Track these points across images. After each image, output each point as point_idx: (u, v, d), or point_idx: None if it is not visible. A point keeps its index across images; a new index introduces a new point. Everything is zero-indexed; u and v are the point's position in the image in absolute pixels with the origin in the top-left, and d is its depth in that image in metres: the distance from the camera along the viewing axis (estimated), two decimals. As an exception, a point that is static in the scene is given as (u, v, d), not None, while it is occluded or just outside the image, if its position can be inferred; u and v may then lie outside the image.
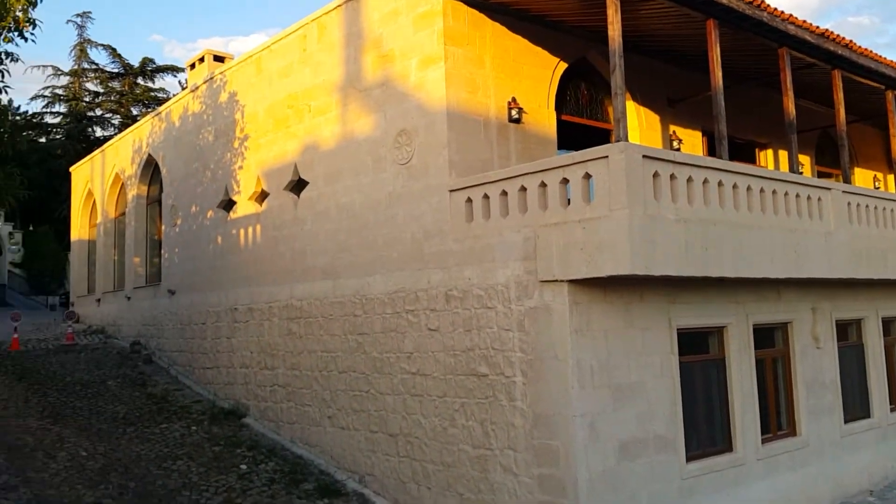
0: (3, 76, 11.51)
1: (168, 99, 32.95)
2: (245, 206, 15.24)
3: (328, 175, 12.83)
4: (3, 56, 11.45)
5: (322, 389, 12.59)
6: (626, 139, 8.88)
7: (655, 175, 8.81)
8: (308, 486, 11.53)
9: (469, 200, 10.20)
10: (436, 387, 10.41)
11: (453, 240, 10.37)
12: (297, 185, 13.74)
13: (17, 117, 39.20)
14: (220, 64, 17.19)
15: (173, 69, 46.01)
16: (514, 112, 11.01)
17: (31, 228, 43.05)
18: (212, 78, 16.71)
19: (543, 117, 11.59)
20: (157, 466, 11.94)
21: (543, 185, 9.25)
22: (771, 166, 16.12)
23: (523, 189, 9.48)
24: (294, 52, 13.86)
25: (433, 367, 10.48)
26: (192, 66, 18.40)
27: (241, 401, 14.78)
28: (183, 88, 33.15)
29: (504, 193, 9.72)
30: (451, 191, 10.46)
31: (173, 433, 13.49)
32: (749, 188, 10.09)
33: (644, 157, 8.69)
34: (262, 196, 14.77)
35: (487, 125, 10.87)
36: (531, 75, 11.55)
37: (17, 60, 11.88)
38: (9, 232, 41.77)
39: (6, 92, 11.54)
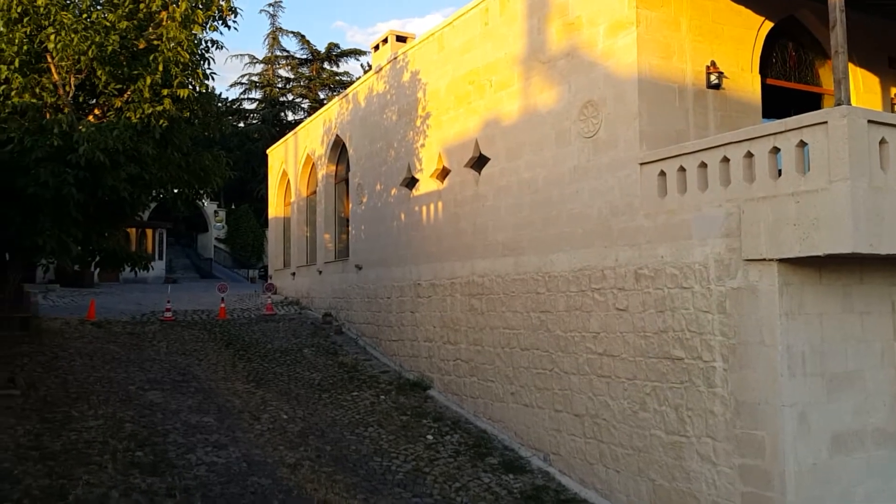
0: (209, 64, 12.22)
1: (352, 82, 34.38)
2: (427, 183, 15.52)
3: (510, 150, 12.69)
4: (209, 44, 12.20)
5: (505, 366, 12.59)
6: (849, 103, 7.90)
7: (882, 142, 7.79)
8: (493, 461, 11.61)
9: (662, 174, 9.62)
10: (625, 369, 10.01)
11: (644, 216, 9.85)
12: (479, 162, 13.74)
13: (221, 104, 42.76)
14: (403, 44, 17.55)
15: (356, 53, 48.06)
16: (712, 77, 10.22)
17: (233, 207, 46.92)
18: (395, 58, 17.10)
19: (746, 82, 10.66)
20: (350, 432, 12.54)
21: (749, 155, 8.48)
22: None
23: (725, 160, 8.76)
24: (475, 27, 13.79)
25: (622, 348, 10.08)
26: (376, 47, 18.96)
27: (425, 373, 15.19)
28: (365, 71, 34.33)
29: (703, 165, 9.05)
30: (642, 164, 9.93)
31: (364, 401, 14.13)
32: None
33: (869, 122, 7.70)
34: (444, 173, 14.95)
35: (683, 93, 10.17)
36: (732, 37, 10.65)
37: (221, 48, 12.66)
38: (214, 210, 45.74)
39: (212, 79, 12.26)
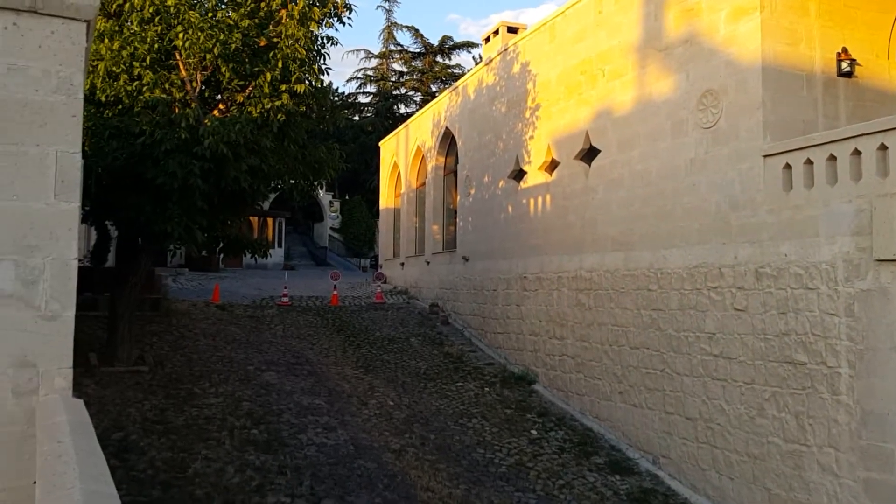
0: (325, 59, 12.58)
1: (463, 74, 34.52)
2: (535, 175, 15.36)
3: (622, 142, 12.34)
4: (325, 40, 12.54)
5: (613, 364, 12.30)
6: None
7: None
8: (598, 460, 11.39)
9: (787, 167, 9.08)
10: (742, 372, 9.54)
11: (766, 211, 9.34)
12: (589, 154, 13.46)
13: (336, 98, 44.04)
14: (514, 35, 17.43)
15: (468, 45, 48.24)
16: (844, 65, 9.54)
17: (346, 197, 48.30)
18: (505, 50, 17.00)
19: (881, 69, 9.89)
20: (454, 422, 12.64)
21: (883, 147, 7.86)
22: None
23: (857, 153, 8.16)
24: (588, 16, 13.49)
25: (739, 350, 9.61)
26: (487, 39, 18.92)
27: (530, 367, 15.08)
28: (476, 63, 34.40)
29: (832, 158, 8.47)
30: (766, 156, 9.40)
31: (468, 392, 14.20)
32: None
33: None
34: (552, 165, 14.74)
35: (811, 81, 9.55)
36: (866, 21, 9.91)
37: (336, 44, 12.99)
38: (329, 201, 47.25)
39: (328, 73, 12.60)
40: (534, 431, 12.43)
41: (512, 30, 17.93)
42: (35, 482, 3.55)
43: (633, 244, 11.92)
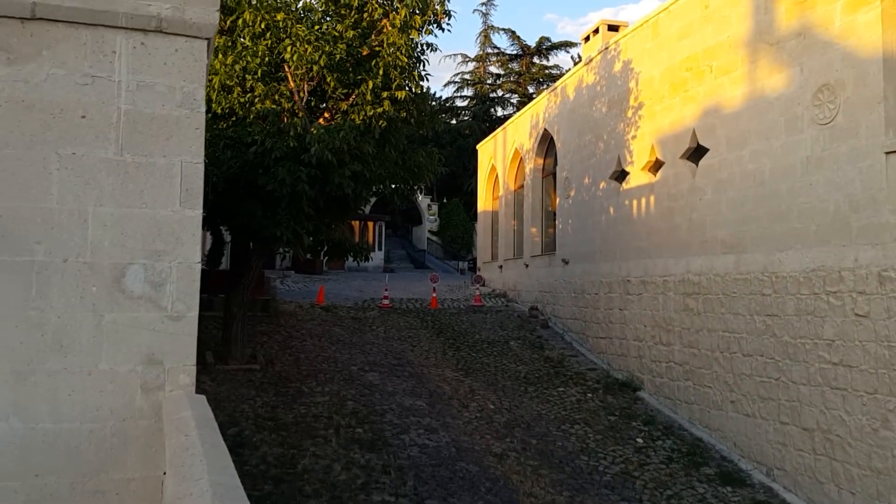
0: (424, 65, 12.76)
1: (561, 75, 34.18)
2: (638, 176, 15.00)
3: (731, 140, 11.87)
4: (425, 47, 12.73)
5: (724, 372, 11.84)
6: None
7: None
8: (708, 471, 10.99)
9: (915, 163, 8.49)
10: (864, 381, 8.98)
11: (890, 211, 8.76)
12: (696, 153, 13.02)
13: (434, 103, 44.58)
14: (614, 33, 17.10)
15: (566, 45, 47.69)
16: (982, 50, 8.82)
17: (444, 201, 48.75)
18: (606, 48, 16.71)
19: None
20: (556, 427, 12.51)
21: None
22: None
23: None
24: (694, 11, 13.06)
25: (861, 358, 9.05)
26: (587, 38, 18.65)
27: (634, 373, 14.73)
28: (575, 63, 34.02)
29: (968, 152, 7.86)
30: (888, 153, 8.83)
31: (570, 397, 14.02)
32: None
33: None
34: (656, 165, 14.36)
35: (942, 69, 8.88)
36: None
37: (435, 50, 13.17)
38: (427, 204, 47.81)
39: (427, 79, 12.76)
40: (640, 440, 12.12)
41: (612, 28, 17.60)
42: (164, 473, 3.78)
43: (744, 246, 11.44)
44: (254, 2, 11.44)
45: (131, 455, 4.16)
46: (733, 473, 10.85)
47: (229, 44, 11.89)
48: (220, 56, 11.58)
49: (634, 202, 15.13)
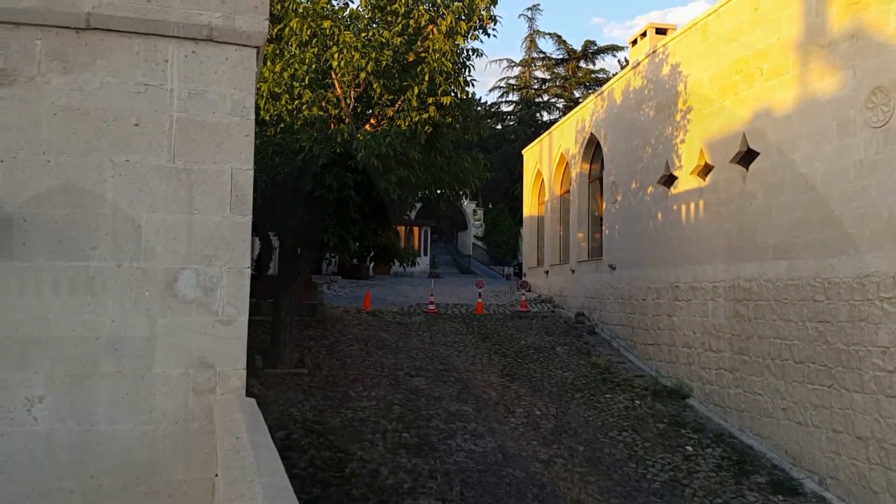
0: (469, 71, 12.79)
1: (607, 79, 33.91)
2: (686, 180, 14.78)
3: (783, 143, 11.62)
4: (470, 52, 12.77)
5: (775, 379, 11.56)
6: None
7: None
8: (759, 479, 10.74)
9: (978, 165, 8.18)
10: (924, 391, 8.68)
11: (952, 214, 8.45)
12: (746, 157, 12.78)
13: (479, 108, 44.59)
14: (662, 37, 16.89)
15: (613, 49, 47.17)
16: None
17: (489, 206, 48.70)
18: (654, 52, 16.52)
19: None
20: (604, 434, 12.37)
21: None
22: None
23: None
24: (744, 13, 12.83)
25: (920, 366, 8.75)
26: (634, 42, 18.46)
27: (683, 380, 14.48)
28: (622, 67, 33.74)
29: None
30: (951, 154, 8.52)
31: (617, 404, 13.85)
32: None
33: None
34: (706, 170, 14.12)
35: None
36: None
37: (481, 55, 13.21)
38: (472, 209, 47.81)
39: (472, 85, 12.80)
40: (689, 447, 11.91)
41: (660, 31, 17.38)
42: (216, 475, 3.86)
43: (796, 252, 11.17)
44: (300, 10, 11.62)
45: (183, 457, 4.23)
46: (785, 482, 10.59)
47: (277, 52, 12.12)
48: (269, 64, 11.80)
49: (683, 207, 14.90)
